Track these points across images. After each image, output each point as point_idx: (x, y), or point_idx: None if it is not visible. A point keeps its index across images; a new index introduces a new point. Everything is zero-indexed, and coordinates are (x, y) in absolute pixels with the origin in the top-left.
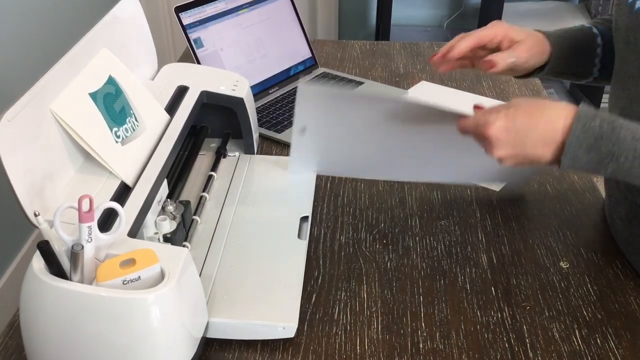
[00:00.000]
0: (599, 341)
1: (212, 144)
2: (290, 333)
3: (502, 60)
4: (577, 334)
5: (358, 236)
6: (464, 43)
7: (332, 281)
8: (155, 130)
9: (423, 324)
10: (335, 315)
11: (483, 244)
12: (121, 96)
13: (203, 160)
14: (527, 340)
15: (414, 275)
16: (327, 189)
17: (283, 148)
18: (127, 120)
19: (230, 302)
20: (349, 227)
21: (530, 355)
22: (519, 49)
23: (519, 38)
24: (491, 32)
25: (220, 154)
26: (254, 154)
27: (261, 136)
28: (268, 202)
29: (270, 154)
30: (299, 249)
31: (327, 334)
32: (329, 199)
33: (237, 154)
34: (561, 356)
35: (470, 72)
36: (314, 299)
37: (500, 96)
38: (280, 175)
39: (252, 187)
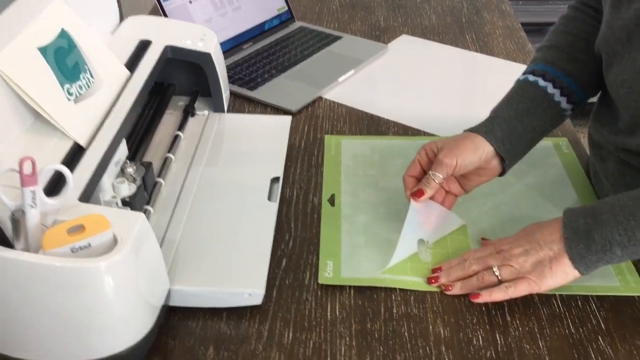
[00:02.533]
0: (579, 303)
1: (180, 102)
2: (257, 300)
3: (427, 185)
4: (557, 296)
5: None
6: (408, 183)
7: (304, 245)
8: (112, 88)
9: (397, 289)
10: (306, 281)
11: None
12: (75, 51)
13: (169, 120)
14: (505, 303)
15: None
16: (301, 149)
17: (256, 106)
18: (81, 76)
19: (193, 268)
20: (322, 188)
21: (508, 318)
22: (440, 158)
23: (437, 147)
24: (416, 161)
25: (187, 112)
26: (224, 112)
27: (233, 94)
28: (237, 163)
29: (243, 112)
30: (269, 212)
31: (297, 300)
32: (303, 159)
33: (206, 112)
34: (540, 319)
35: (453, 24)
36: (284, 263)
37: (484, 49)
38: (251, 135)
39: (221, 148)
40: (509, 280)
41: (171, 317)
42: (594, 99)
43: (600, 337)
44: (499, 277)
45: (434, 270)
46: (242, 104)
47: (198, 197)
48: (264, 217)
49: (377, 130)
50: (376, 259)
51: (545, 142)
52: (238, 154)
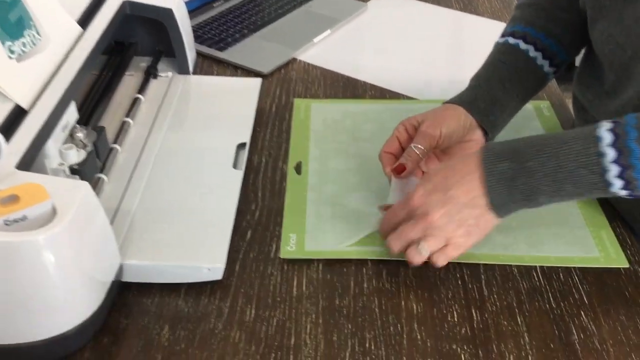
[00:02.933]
0: (561, 276)
1: (142, 63)
2: (217, 275)
3: (410, 158)
4: (537, 268)
5: None
6: (386, 160)
7: (271, 216)
8: (62, 45)
9: (368, 262)
10: (272, 254)
11: None
12: (19, 5)
13: (130, 82)
14: (483, 276)
15: None
16: (272, 113)
17: (225, 68)
18: (25, 33)
19: (149, 241)
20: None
21: (485, 292)
22: (423, 129)
23: (417, 121)
24: (394, 137)
25: (149, 74)
26: (189, 74)
27: (202, 55)
28: (201, 128)
29: (211, 74)
30: (233, 181)
31: (261, 274)
32: (273, 124)
33: (169, 74)
34: (519, 293)
35: None
36: (248, 235)
37: (468, 8)
38: (217, 98)
39: (185, 112)
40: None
41: (124, 293)
42: (579, 59)
43: (582, 312)
44: (427, 252)
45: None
46: (211, 65)
47: (157, 165)
48: (228, 186)
49: (354, 94)
50: (344, 231)
51: (526, 106)
52: (202, 118)
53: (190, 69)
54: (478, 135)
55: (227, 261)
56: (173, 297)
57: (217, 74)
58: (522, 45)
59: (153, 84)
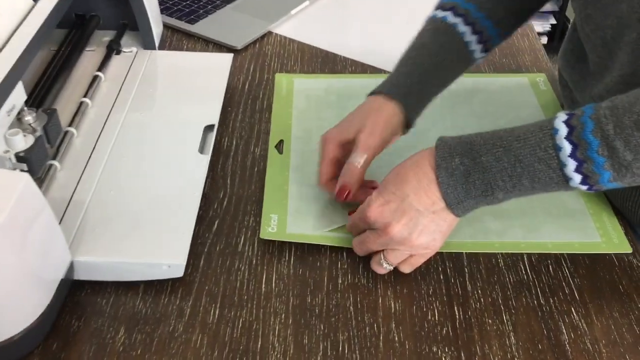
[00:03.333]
0: (550, 269)
1: (106, 37)
2: (178, 272)
3: (353, 177)
4: (525, 259)
5: None
6: (330, 188)
7: (240, 204)
8: (9, 19)
9: (344, 255)
10: (240, 247)
11: None
12: None
13: (91, 58)
14: (466, 269)
15: None
16: (245, 91)
17: (196, 42)
18: None
19: (103, 235)
20: (266, 137)
21: (469, 288)
22: (363, 141)
23: (348, 131)
24: (327, 160)
25: (112, 49)
26: (154, 49)
27: (170, 28)
28: (166, 109)
29: (181, 49)
30: (199, 166)
31: (227, 269)
32: (246, 103)
33: (134, 49)
34: (505, 288)
35: None
36: (215, 226)
37: None
38: (184, 76)
39: (148, 91)
40: (403, 261)
41: (76, 292)
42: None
43: (573, 309)
44: (391, 266)
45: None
46: (181, 39)
47: (116, 150)
48: (193, 173)
49: (332, 70)
50: (326, 215)
51: (521, 79)
52: (167, 98)
53: (156, 43)
54: (400, 129)
55: (191, 255)
56: (130, 296)
57: (187, 49)
58: (461, 28)
59: (115, 61)
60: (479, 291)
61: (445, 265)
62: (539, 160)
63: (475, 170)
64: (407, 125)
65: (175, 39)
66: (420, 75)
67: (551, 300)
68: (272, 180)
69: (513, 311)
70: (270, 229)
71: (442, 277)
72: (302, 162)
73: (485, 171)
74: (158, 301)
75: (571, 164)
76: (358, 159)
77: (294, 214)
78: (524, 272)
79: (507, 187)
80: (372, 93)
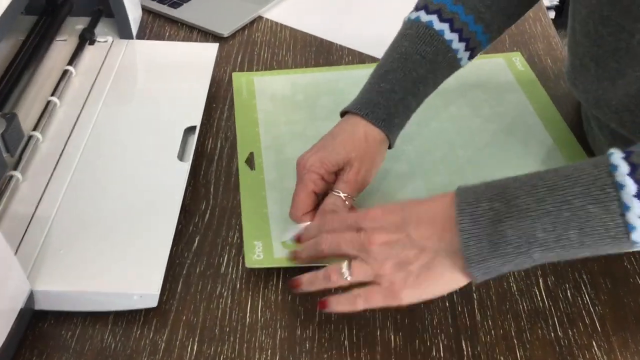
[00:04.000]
0: (569, 294)
1: (78, 25)
2: (151, 303)
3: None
4: (540, 283)
5: None
6: (301, 208)
7: (224, 217)
8: None
9: None
10: (223, 268)
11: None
12: None
13: (62, 50)
14: (475, 295)
15: None
16: (232, 85)
17: (179, 29)
18: None
19: (67, 259)
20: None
21: (478, 318)
22: (352, 177)
23: (334, 161)
24: (309, 183)
25: (85, 39)
26: (132, 38)
27: (151, 12)
28: (143, 108)
29: (162, 38)
30: (178, 176)
31: (208, 295)
32: (233, 99)
33: (109, 39)
34: (518, 318)
35: None
36: (195, 243)
37: None
38: (164, 69)
39: (124, 87)
40: (363, 284)
41: (39, 323)
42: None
43: (594, 342)
44: (349, 278)
45: (298, 238)
46: (163, 26)
47: (86, 157)
48: (171, 183)
49: (327, 60)
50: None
51: (494, 59)
52: (144, 96)
53: (134, 32)
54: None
55: (167, 279)
56: (98, 328)
57: (169, 37)
58: (448, 35)
59: (88, 52)
60: (490, 322)
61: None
62: (594, 201)
63: (510, 215)
64: (389, 146)
65: (157, 26)
66: (404, 92)
67: (570, 333)
68: (249, 203)
69: (527, 345)
70: (256, 257)
71: (447, 304)
72: (278, 177)
73: (522, 217)
74: (129, 334)
75: (636, 207)
76: (344, 199)
77: (279, 238)
78: (539, 299)
79: (549, 240)
80: (349, 111)
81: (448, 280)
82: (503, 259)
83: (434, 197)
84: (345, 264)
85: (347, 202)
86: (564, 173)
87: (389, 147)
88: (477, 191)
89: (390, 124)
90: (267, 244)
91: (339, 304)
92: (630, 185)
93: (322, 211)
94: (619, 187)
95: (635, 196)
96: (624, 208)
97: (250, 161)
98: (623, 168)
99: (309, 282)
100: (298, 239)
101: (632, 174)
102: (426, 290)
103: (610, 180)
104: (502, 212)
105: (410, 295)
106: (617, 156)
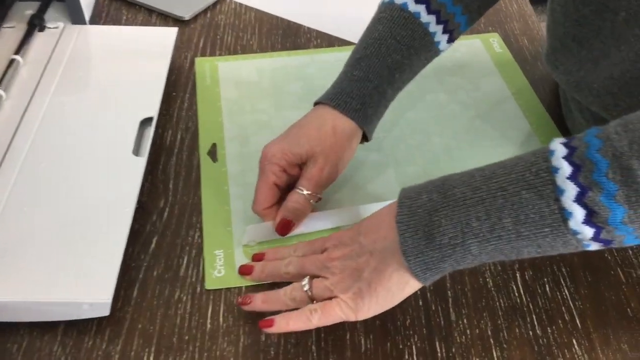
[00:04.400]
0: (547, 288)
1: (28, 10)
2: (102, 311)
3: (300, 208)
4: (517, 278)
5: None
6: (268, 215)
7: (184, 215)
8: None
9: (306, 279)
10: (182, 270)
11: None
12: None
13: (9, 37)
14: (450, 292)
15: None
16: (193, 72)
17: (137, 12)
18: None
19: (10, 267)
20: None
21: (453, 317)
22: (316, 173)
23: (298, 160)
24: (271, 184)
25: (34, 25)
26: (85, 23)
27: None
28: (96, 99)
29: (119, 22)
30: (133, 172)
31: (166, 301)
32: (194, 87)
33: (60, 25)
34: (494, 316)
35: None
36: (153, 244)
37: None
38: (119, 56)
39: (76, 76)
40: (321, 300)
41: None
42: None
43: (574, 340)
44: (310, 295)
45: (255, 257)
46: (119, 9)
47: (34, 153)
48: (126, 179)
49: (295, 43)
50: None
51: (471, 40)
52: (97, 85)
53: (87, 17)
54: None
55: (122, 284)
56: (46, 339)
57: (126, 22)
58: (424, 17)
59: (38, 39)
60: (465, 321)
61: (425, 288)
62: (527, 186)
63: (445, 205)
64: (365, 138)
65: (113, 9)
66: (379, 79)
67: (549, 330)
68: (210, 199)
69: (505, 345)
70: (217, 273)
71: (421, 303)
72: (241, 170)
73: (457, 206)
74: (80, 345)
75: (570, 190)
76: (308, 197)
77: (240, 242)
78: (516, 295)
79: (484, 229)
80: (321, 102)
81: (397, 282)
82: (440, 252)
83: (388, 204)
84: (306, 279)
85: (311, 201)
86: (503, 163)
87: (367, 140)
88: (420, 187)
89: (365, 114)
90: (228, 255)
91: (290, 321)
92: (565, 168)
93: (284, 209)
94: (553, 170)
95: (569, 178)
96: (557, 191)
97: (212, 153)
98: (560, 152)
99: (269, 301)
100: (259, 258)
101: (568, 156)
102: (382, 299)
103: (545, 165)
104: (438, 202)
105: (368, 305)
106: (556, 142)
